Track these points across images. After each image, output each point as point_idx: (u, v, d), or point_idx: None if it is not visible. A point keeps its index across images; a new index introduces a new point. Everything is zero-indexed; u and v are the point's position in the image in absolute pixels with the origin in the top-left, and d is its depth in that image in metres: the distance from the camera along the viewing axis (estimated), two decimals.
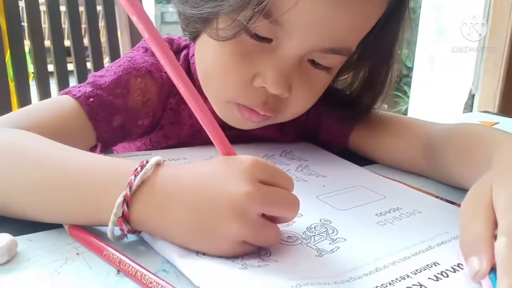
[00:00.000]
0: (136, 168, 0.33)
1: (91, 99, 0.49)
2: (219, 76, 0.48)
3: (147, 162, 0.34)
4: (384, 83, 0.53)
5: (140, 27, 0.33)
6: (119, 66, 0.53)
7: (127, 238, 0.34)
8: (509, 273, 0.28)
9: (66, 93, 0.49)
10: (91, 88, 0.50)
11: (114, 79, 0.51)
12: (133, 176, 0.33)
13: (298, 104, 0.50)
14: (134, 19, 0.32)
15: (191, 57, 0.56)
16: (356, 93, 0.56)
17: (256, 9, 0.41)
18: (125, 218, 0.32)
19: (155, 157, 0.34)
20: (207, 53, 0.49)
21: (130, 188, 0.32)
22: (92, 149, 0.51)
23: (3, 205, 0.37)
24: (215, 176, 0.33)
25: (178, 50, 0.57)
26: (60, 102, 0.49)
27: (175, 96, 0.55)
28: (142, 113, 0.53)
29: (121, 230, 0.33)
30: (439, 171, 0.50)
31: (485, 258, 0.30)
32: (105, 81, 0.51)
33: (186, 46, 0.57)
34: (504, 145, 0.42)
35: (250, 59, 0.46)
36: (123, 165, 0.35)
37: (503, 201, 0.33)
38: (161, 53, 0.33)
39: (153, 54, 0.54)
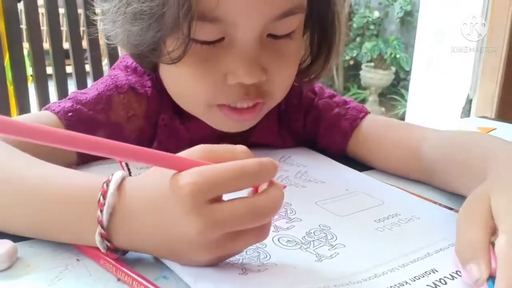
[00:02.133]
0: (99, 200, 0.32)
1: (70, 114, 0.48)
2: (191, 88, 0.48)
3: (107, 183, 0.32)
4: (333, 26, 0.52)
5: None
6: (101, 83, 0.53)
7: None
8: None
9: (46, 109, 0.49)
10: (71, 103, 0.49)
11: (95, 95, 0.51)
12: (99, 211, 0.31)
13: (280, 80, 0.49)
14: None
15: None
16: (314, 52, 0.55)
17: (188, 19, 0.41)
18: (111, 249, 0.32)
19: (114, 179, 0.32)
20: (172, 77, 0.50)
21: (102, 225, 0.32)
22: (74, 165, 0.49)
23: None
24: (165, 211, 0.31)
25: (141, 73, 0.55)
26: (39, 117, 0.48)
27: (166, 112, 0.54)
28: (127, 129, 0.52)
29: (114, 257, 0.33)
30: (436, 179, 0.50)
31: (483, 265, 0.31)
32: (86, 97, 0.50)
33: (150, 78, 0.54)
34: (500, 154, 0.42)
35: (213, 64, 0.46)
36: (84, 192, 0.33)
37: (503, 206, 0.34)
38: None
39: (134, 72, 0.54)
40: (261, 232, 0.32)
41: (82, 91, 0.52)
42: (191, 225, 0.30)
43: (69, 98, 0.51)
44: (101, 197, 0.32)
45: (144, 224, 0.32)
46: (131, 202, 0.32)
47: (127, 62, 0.55)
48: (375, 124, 0.58)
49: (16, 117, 0.46)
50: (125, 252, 0.34)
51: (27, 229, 0.35)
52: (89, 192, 0.33)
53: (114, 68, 0.57)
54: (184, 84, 0.48)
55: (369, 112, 0.60)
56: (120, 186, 0.32)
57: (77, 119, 0.48)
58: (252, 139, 0.54)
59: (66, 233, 0.34)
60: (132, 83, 0.53)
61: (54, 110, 0.48)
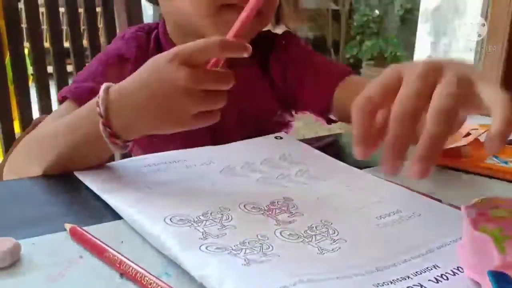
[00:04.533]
0: (97, 101, 0.45)
1: (74, 89, 0.58)
2: None
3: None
4: None
5: None
6: (95, 60, 0.63)
7: (126, 148, 0.46)
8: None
9: (60, 101, 0.60)
10: (73, 84, 0.60)
11: (90, 71, 0.61)
12: (97, 108, 0.44)
13: None
14: None
15: (161, 34, 0.66)
16: None
17: None
18: (113, 134, 0.44)
19: (101, 88, 0.45)
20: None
21: (101, 115, 0.44)
22: None
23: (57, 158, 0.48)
24: (151, 77, 0.43)
25: (149, 31, 0.66)
26: (58, 109, 0.60)
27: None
28: None
29: (116, 143, 0.45)
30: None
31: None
32: (83, 74, 0.61)
33: (156, 27, 0.67)
34: None
35: None
36: (89, 105, 0.47)
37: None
38: None
39: (121, 38, 0.65)
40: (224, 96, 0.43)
41: (80, 72, 0.63)
42: (176, 74, 0.41)
43: (72, 83, 0.61)
44: (97, 101, 0.44)
45: (136, 100, 0.43)
46: (120, 92, 0.44)
47: (118, 35, 0.67)
48: (360, 80, 0.63)
49: (63, 119, 0.53)
50: (125, 141, 0.45)
51: (68, 153, 0.48)
52: (89, 106, 0.47)
53: (101, 53, 0.66)
54: None
55: (353, 72, 0.65)
56: (108, 89, 0.45)
57: (80, 91, 0.58)
58: (237, 79, 0.57)
59: (86, 142, 0.47)
60: (118, 49, 0.63)
61: (61, 95, 0.59)
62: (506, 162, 0.53)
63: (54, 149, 0.49)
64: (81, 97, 0.56)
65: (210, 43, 0.42)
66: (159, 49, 0.64)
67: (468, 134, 0.58)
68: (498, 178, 0.52)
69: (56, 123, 0.52)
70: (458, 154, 0.54)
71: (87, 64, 0.65)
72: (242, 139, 0.59)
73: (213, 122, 0.45)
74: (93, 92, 0.53)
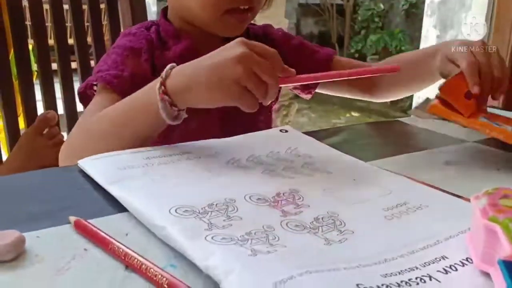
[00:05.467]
0: (162, 75, 0.51)
1: (104, 76, 0.62)
2: None
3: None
4: None
5: None
6: (110, 53, 0.67)
7: (179, 119, 0.51)
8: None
9: (81, 93, 0.66)
10: (99, 74, 0.63)
11: (110, 62, 0.65)
12: (162, 75, 0.50)
13: None
14: None
15: (161, 27, 0.71)
16: None
17: None
18: (165, 93, 0.49)
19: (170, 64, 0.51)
20: None
21: (162, 77, 0.50)
22: None
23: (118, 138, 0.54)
24: (216, 53, 0.50)
25: (147, 27, 0.71)
26: (94, 100, 0.63)
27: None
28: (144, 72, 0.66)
29: (165, 101, 0.50)
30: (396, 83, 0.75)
31: None
32: (104, 66, 0.64)
33: (152, 25, 0.72)
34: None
35: None
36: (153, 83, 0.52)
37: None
38: None
39: (129, 35, 0.70)
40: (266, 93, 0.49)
41: (98, 66, 0.66)
42: (238, 49, 0.47)
43: (94, 74, 0.65)
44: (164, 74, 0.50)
45: (196, 67, 0.50)
46: (183, 65, 0.51)
47: (124, 32, 0.72)
48: (345, 59, 0.78)
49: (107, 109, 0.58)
50: (179, 110, 0.50)
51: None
52: (154, 83, 0.51)
53: (114, 47, 0.70)
54: None
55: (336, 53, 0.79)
56: (172, 68, 0.51)
57: (110, 77, 0.62)
58: None
59: (143, 110, 0.53)
60: (131, 42, 0.67)
61: (93, 83, 0.65)
62: (498, 124, 0.56)
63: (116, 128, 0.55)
64: (112, 82, 0.61)
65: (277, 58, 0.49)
66: (161, 40, 0.70)
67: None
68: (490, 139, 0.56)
69: (115, 105, 0.57)
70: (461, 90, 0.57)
71: (102, 58, 0.68)
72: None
73: (252, 110, 0.49)
74: (121, 78, 0.62)
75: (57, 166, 0.90)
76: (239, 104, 0.49)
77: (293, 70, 0.50)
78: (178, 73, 0.50)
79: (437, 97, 0.57)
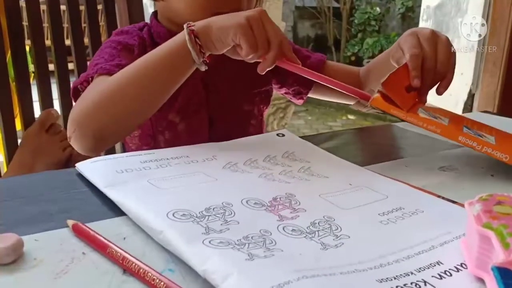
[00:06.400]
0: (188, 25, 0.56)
1: (103, 66, 0.62)
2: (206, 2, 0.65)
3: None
4: None
5: None
6: (104, 48, 0.68)
7: (205, 63, 0.56)
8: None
9: (73, 89, 0.65)
10: (97, 66, 0.63)
11: (107, 55, 0.65)
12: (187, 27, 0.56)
13: None
14: None
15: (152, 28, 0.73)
16: None
17: None
18: (195, 36, 0.55)
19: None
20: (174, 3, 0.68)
21: (189, 28, 0.55)
22: None
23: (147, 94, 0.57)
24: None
25: (140, 28, 0.73)
26: (93, 85, 0.62)
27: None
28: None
29: (194, 42, 0.55)
30: (371, 78, 0.77)
31: None
32: (101, 59, 0.65)
33: (144, 26, 0.74)
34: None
35: None
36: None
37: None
38: None
39: (122, 33, 0.71)
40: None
41: (94, 61, 0.66)
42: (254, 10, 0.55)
43: (93, 66, 0.64)
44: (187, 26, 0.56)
45: (217, 18, 0.56)
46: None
47: (117, 31, 0.73)
48: (336, 64, 0.82)
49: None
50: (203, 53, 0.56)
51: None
52: (175, 37, 0.57)
53: (107, 42, 0.70)
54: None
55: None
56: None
57: (110, 66, 0.63)
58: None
59: (170, 54, 0.56)
60: (124, 39, 0.69)
61: (94, 72, 0.63)
62: (435, 117, 0.57)
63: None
64: (114, 71, 0.61)
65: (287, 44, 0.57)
66: (153, 40, 0.71)
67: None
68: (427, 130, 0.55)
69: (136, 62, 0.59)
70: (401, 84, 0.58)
71: (96, 54, 0.69)
72: (228, 98, 0.73)
73: (251, 51, 0.54)
74: (122, 67, 0.60)
75: (65, 161, 0.90)
76: (244, 40, 0.53)
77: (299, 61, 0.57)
78: (200, 21, 0.56)
79: (379, 91, 0.58)
